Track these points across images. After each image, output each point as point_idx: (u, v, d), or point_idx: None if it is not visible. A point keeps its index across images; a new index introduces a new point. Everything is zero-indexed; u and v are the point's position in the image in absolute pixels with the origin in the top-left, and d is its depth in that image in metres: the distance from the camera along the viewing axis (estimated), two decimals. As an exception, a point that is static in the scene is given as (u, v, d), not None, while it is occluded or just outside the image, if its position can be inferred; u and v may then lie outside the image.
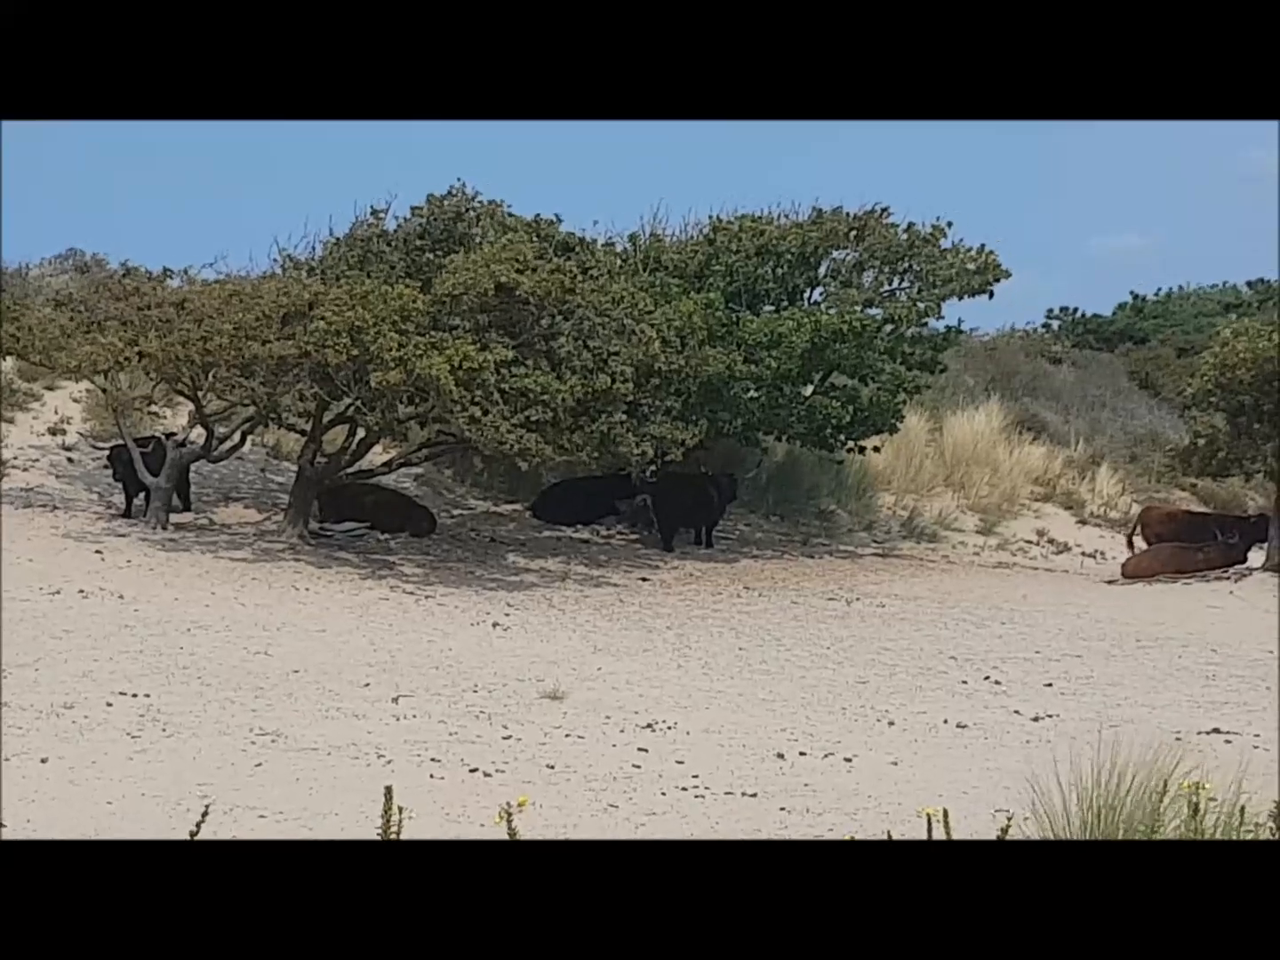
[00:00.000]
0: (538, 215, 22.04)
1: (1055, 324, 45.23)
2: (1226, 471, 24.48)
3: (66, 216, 51.12)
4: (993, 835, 4.79)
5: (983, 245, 22.52)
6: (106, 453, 20.90)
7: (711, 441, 22.41)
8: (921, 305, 22.33)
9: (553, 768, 10.53)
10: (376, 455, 21.65)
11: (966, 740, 11.99)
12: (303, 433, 20.69)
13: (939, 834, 4.70)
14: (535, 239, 20.70)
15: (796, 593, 19.76)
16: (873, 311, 22.41)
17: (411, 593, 17.73)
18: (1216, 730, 12.32)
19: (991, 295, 22.59)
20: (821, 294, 23.02)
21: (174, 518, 19.97)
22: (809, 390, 22.93)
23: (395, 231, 21.67)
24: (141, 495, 20.03)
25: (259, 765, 10.17)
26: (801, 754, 11.24)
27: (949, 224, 22.55)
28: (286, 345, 18.20)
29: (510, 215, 21.81)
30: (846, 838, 5.47)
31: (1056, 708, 13.24)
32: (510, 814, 4.44)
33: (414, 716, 11.87)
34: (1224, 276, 46.40)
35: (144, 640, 13.86)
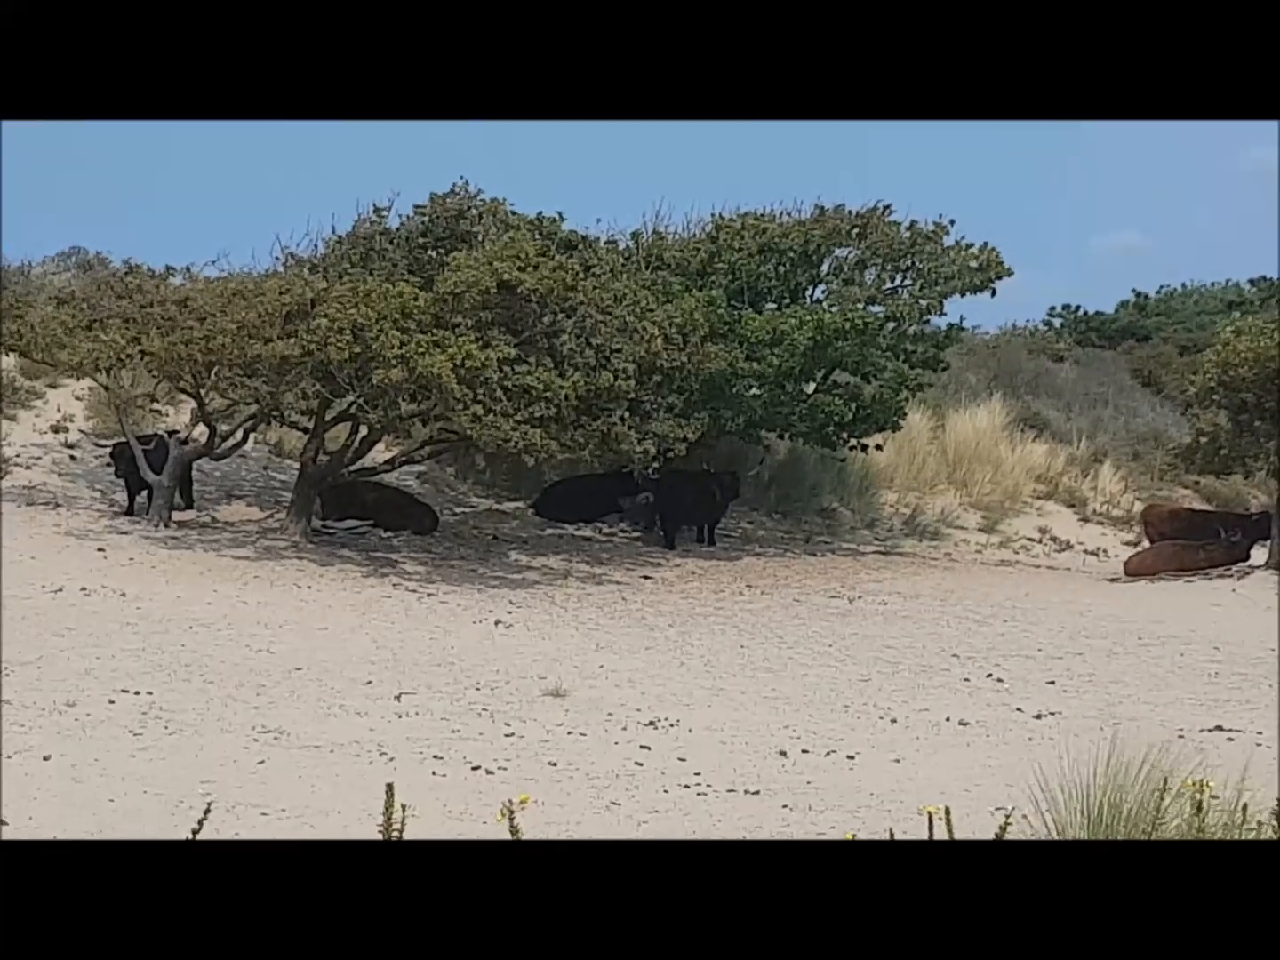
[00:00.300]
0: (540, 213, 22.07)
1: (1057, 322, 45.23)
2: (1229, 469, 24.49)
3: (69, 214, 51.12)
4: (994, 833, 4.79)
5: (985, 243, 22.55)
6: (109, 450, 20.91)
7: (714, 439, 22.43)
8: (924, 303, 22.33)
9: (555, 765, 10.53)
10: (379, 453, 21.66)
11: (969, 738, 11.98)
12: (305, 430, 20.70)
13: (941, 832, 4.70)
14: (538, 237, 20.70)
15: (799, 590, 19.76)
16: (875, 309, 22.42)
17: (414, 590, 17.74)
18: (1219, 728, 12.32)
19: (994, 293, 22.60)
20: (824, 291, 23.03)
21: (176, 515, 19.98)
22: (811, 388, 22.95)
23: (398, 229, 21.68)
24: (144, 493, 20.04)
25: (261, 763, 10.17)
26: (804, 751, 11.24)
27: (951, 222, 22.59)
28: (289, 344, 18.20)
29: (513, 213, 21.81)
30: (848, 835, 5.47)
31: (1059, 705, 13.23)
32: (512, 812, 4.45)
33: (416, 714, 11.87)
34: (1227, 274, 46.38)
35: (146, 638, 13.86)
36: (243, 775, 9.82)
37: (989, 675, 14.60)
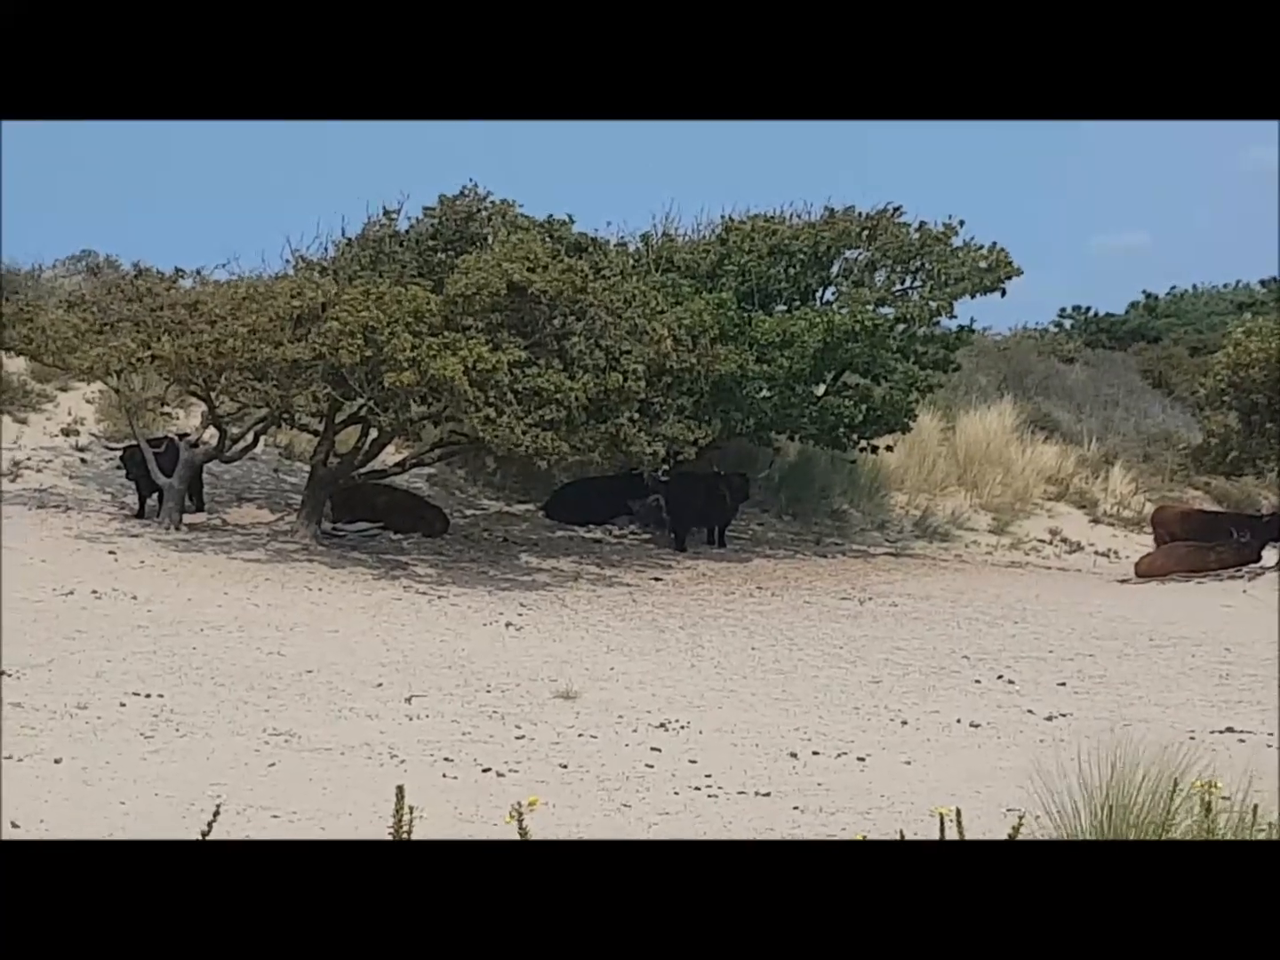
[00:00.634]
0: (550, 215, 22.07)
1: (1067, 323, 45.15)
2: (1239, 470, 24.47)
3: (70, 214, 51.13)
4: (1005, 834, 4.79)
5: (994, 243, 22.53)
6: (120, 453, 20.94)
7: (724, 441, 22.42)
8: (933, 304, 22.32)
9: (565, 767, 10.53)
10: (389, 455, 21.66)
11: (980, 739, 11.97)
12: (316, 433, 20.71)
13: (952, 833, 4.70)
14: (547, 239, 20.70)
15: (809, 592, 19.75)
16: (885, 311, 22.41)
17: (424, 593, 17.75)
18: (1230, 729, 12.29)
19: (1004, 293, 22.60)
20: (834, 293, 23.02)
21: (187, 518, 20.00)
22: (821, 390, 22.94)
23: (407, 232, 21.71)
24: (155, 496, 20.07)
25: (272, 765, 10.18)
26: (815, 753, 11.23)
27: (960, 222, 22.57)
28: (300, 347, 18.22)
29: (522, 215, 21.83)
30: (859, 837, 5.47)
31: (1070, 707, 13.22)
32: (521, 813, 4.45)
33: (427, 716, 11.87)
34: (1237, 275, 46.30)
35: (157, 640, 13.88)
36: (254, 778, 9.83)
37: (1000, 677, 14.59)
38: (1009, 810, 8.53)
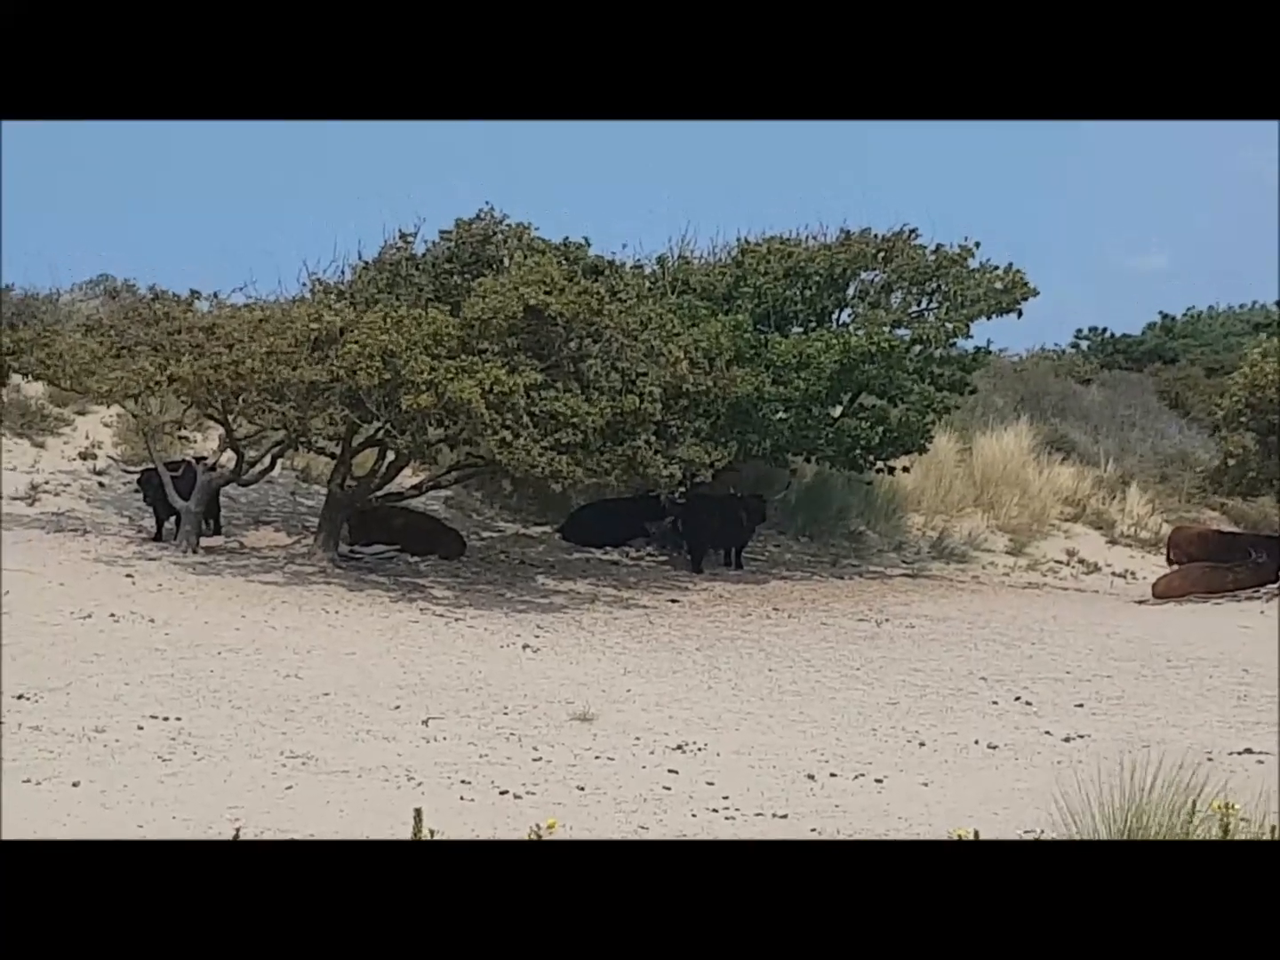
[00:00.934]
0: (566, 238, 22.10)
1: (1084, 344, 45.09)
2: (1257, 491, 24.42)
3: (70, 214, 51.17)
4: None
5: (1010, 264, 22.53)
6: (137, 477, 20.96)
7: (740, 463, 22.41)
8: (950, 325, 22.32)
9: (583, 789, 10.54)
10: (406, 478, 21.70)
11: (997, 761, 11.96)
12: (333, 456, 20.74)
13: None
14: (564, 262, 20.73)
15: (826, 614, 19.73)
16: (901, 332, 22.41)
17: (441, 615, 17.76)
18: (1248, 750, 12.26)
19: (1020, 314, 22.59)
20: (850, 315, 23.03)
21: (204, 541, 20.04)
22: (838, 411, 22.94)
23: (424, 255, 21.76)
24: (172, 519, 20.11)
25: (289, 788, 10.19)
26: (832, 775, 11.23)
27: (977, 244, 22.58)
28: (317, 369, 18.26)
29: (538, 238, 21.87)
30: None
31: (1087, 728, 13.19)
32: (540, 836, 4.46)
33: (444, 739, 11.88)
34: (1254, 296, 46.16)
35: (175, 663, 13.90)
36: (271, 800, 9.84)
37: (1017, 698, 14.56)
38: (1027, 831, 8.53)
